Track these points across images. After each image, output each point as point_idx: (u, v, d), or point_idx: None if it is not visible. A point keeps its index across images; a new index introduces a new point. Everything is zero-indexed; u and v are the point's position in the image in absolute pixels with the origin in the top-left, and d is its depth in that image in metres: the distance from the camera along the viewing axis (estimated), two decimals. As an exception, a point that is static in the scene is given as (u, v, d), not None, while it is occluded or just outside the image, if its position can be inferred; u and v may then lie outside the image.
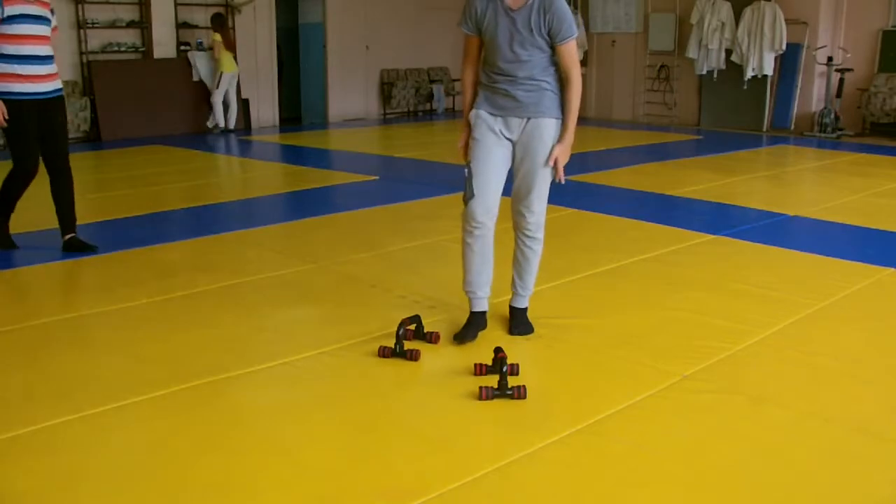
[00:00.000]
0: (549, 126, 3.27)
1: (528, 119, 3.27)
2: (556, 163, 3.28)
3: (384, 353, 3.22)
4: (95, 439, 2.59)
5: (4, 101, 4.42)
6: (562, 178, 3.31)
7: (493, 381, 2.91)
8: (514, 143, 3.32)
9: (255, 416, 2.77)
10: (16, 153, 4.57)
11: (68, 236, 4.71)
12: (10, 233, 4.82)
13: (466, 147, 3.37)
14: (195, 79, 10.83)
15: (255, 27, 11.38)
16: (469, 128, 3.35)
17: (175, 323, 3.64)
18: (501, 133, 3.30)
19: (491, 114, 3.30)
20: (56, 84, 4.63)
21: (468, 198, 3.29)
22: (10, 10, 4.33)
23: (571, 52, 3.26)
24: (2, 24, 4.35)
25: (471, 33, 3.32)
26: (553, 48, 3.24)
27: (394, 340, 3.22)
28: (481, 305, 3.46)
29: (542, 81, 3.26)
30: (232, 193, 7.09)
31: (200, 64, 10.78)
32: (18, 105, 4.44)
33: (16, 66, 4.41)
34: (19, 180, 4.64)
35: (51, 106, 4.58)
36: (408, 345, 3.25)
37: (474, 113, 3.34)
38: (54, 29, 4.63)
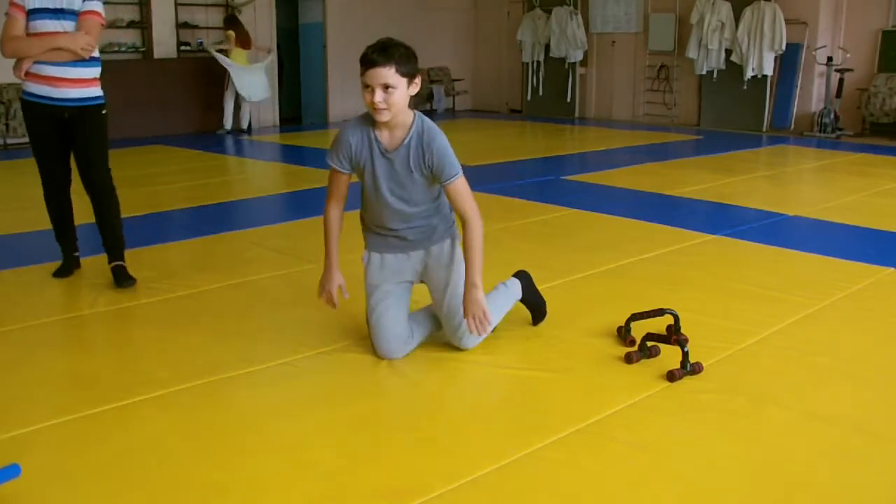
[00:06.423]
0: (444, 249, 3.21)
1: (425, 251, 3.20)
2: (471, 318, 3.04)
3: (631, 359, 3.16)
4: (95, 439, 2.59)
5: (22, 102, 4.16)
6: (482, 329, 3.05)
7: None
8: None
9: (255, 416, 2.77)
10: (37, 162, 4.26)
11: (113, 264, 4.22)
12: (74, 254, 4.38)
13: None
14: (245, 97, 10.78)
15: (255, 27, 11.38)
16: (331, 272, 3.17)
17: (175, 323, 3.64)
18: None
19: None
20: (85, 91, 4.19)
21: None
22: (29, 4, 3.97)
23: (460, 191, 3.06)
24: (27, 20, 3.99)
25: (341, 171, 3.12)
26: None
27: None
28: None
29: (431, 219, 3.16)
30: (232, 193, 7.09)
31: (236, 77, 10.60)
32: (31, 108, 4.13)
33: (34, 65, 4.04)
34: (47, 195, 4.30)
35: (76, 116, 4.17)
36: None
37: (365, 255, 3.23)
38: (91, 13, 4.05)
